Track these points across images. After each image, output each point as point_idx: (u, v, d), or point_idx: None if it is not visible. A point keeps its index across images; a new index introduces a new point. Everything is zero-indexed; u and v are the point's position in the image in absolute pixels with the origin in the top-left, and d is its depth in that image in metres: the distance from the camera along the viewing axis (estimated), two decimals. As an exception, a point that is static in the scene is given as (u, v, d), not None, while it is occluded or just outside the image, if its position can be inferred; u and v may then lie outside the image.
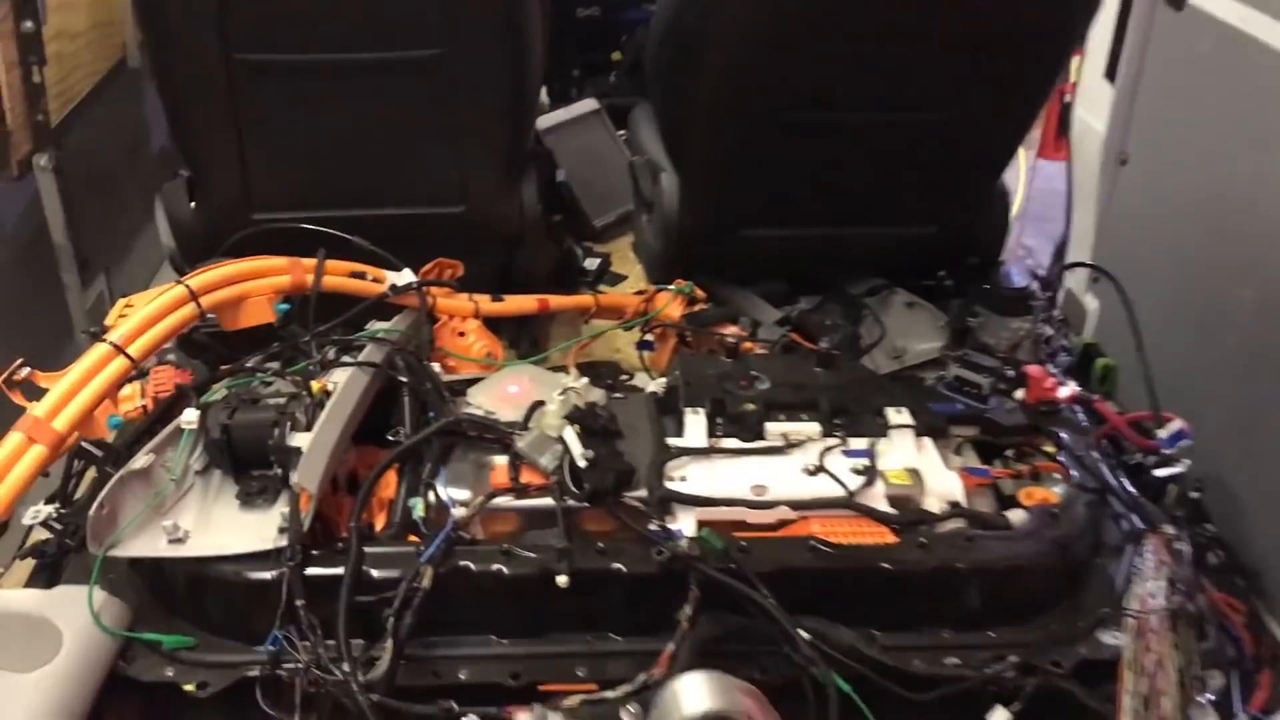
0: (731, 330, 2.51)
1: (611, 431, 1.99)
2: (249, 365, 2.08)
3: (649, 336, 2.58)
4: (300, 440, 1.84)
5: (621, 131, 3.63)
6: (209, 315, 2.08)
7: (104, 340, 1.87)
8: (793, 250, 2.69)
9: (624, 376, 2.54)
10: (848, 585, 1.84)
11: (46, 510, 1.92)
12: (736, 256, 2.71)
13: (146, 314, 1.91)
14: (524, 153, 2.70)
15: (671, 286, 2.55)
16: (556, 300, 2.57)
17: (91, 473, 1.99)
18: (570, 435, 1.93)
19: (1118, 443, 2.28)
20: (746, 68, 2.34)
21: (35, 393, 1.81)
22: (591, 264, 3.32)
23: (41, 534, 1.88)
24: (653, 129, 2.84)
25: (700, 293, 2.54)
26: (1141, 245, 2.70)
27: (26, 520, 1.87)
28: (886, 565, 1.84)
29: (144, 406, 2.12)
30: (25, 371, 1.79)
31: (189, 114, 2.46)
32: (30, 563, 1.91)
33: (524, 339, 2.78)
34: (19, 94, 2.49)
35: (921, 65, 2.33)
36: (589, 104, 3.64)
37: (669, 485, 1.97)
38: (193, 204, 2.57)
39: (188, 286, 1.98)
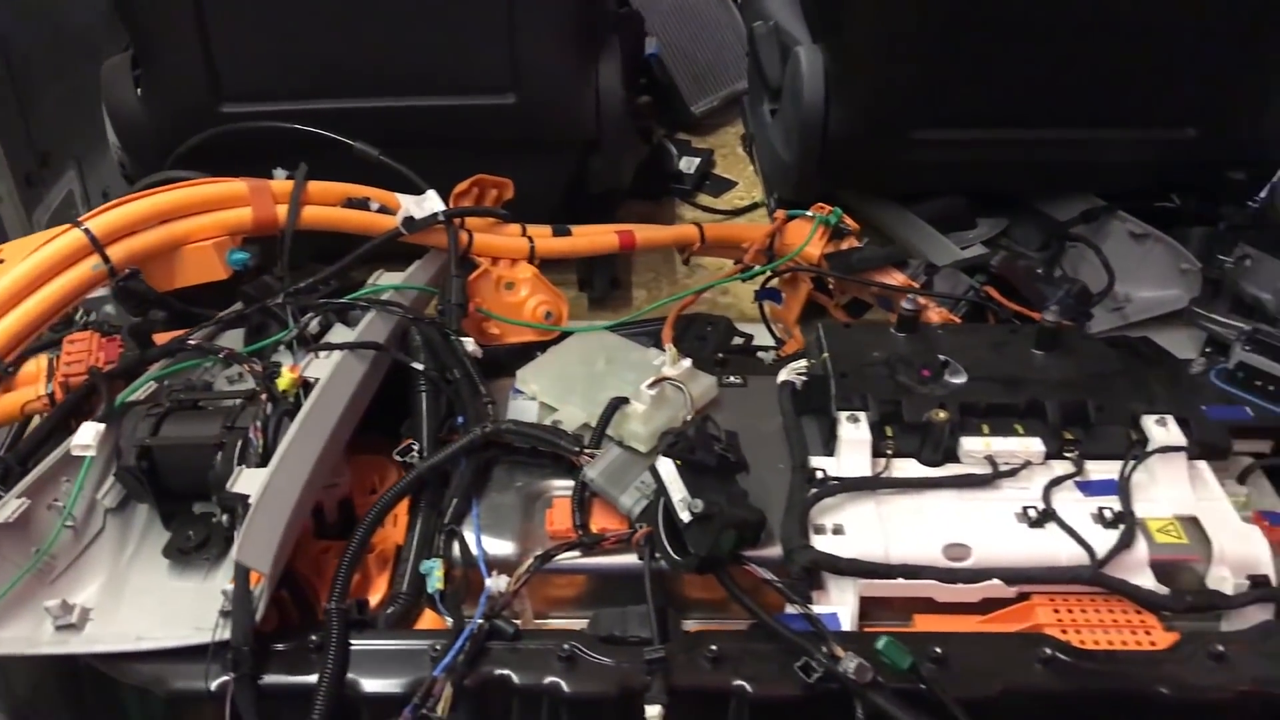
0: (898, 279, 1.83)
1: (731, 463, 1.35)
2: (191, 342, 1.47)
3: (774, 282, 1.91)
4: (249, 482, 1.23)
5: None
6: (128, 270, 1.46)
7: (-59, 323, 1.27)
8: (980, 160, 2.02)
9: (739, 338, 1.89)
10: (1100, 718, 1.34)
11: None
12: (899, 167, 2.05)
13: (17, 277, 1.30)
14: (602, 14, 2.00)
15: (809, 212, 1.87)
16: (646, 233, 1.93)
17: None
18: (669, 472, 1.35)
19: None
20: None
21: None
22: (688, 164, 2.66)
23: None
24: (783, -19, 2.17)
25: (851, 222, 1.87)
26: None
27: None
28: (1164, 690, 1.29)
29: (50, 396, 1.53)
30: None
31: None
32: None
33: (599, 278, 2.13)
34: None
35: None
36: (685, -56, 2.97)
37: (817, 540, 1.41)
38: (139, 90, 2.06)
39: (87, 230, 1.36)
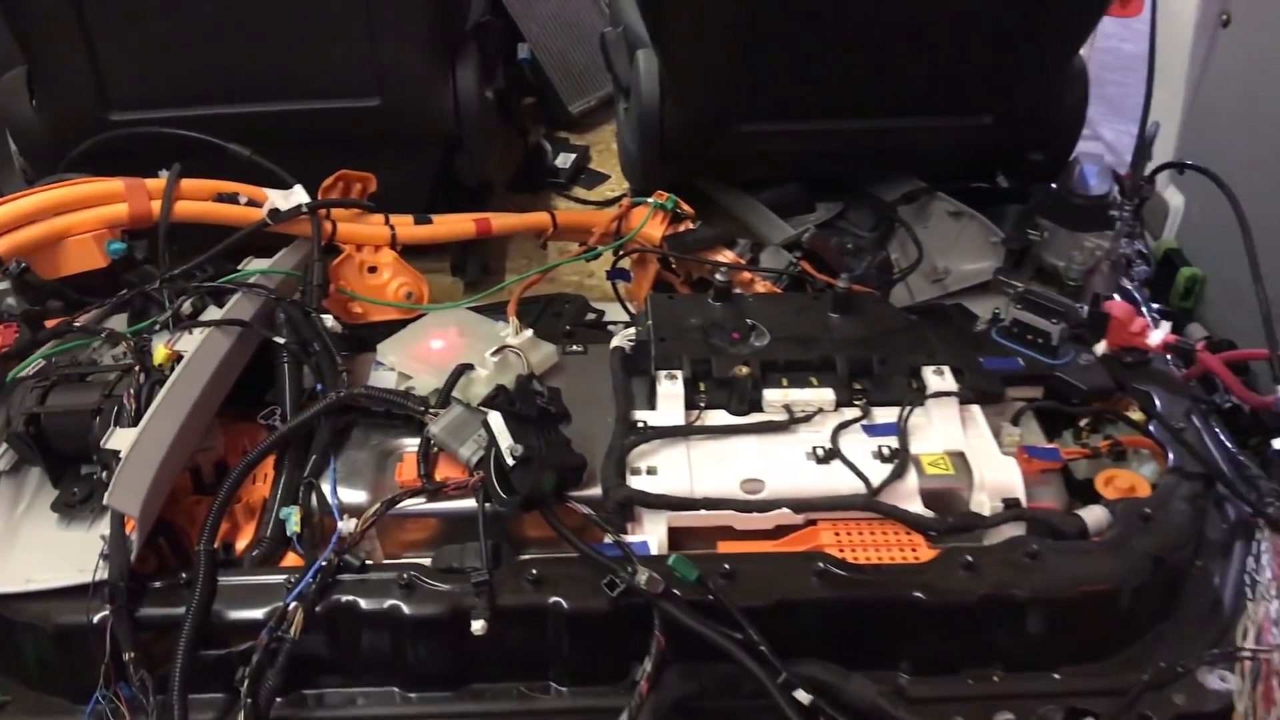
0: (727, 256, 2.03)
1: (552, 414, 1.55)
2: (78, 324, 1.64)
3: (625, 263, 2.10)
4: (121, 439, 1.41)
5: (608, -10, 3.17)
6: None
7: None
8: (805, 150, 2.23)
9: (592, 314, 2.08)
10: (868, 621, 1.51)
11: None
12: (733, 158, 2.24)
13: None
14: (458, 21, 2.19)
15: (650, 199, 2.06)
16: (501, 220, 2.10)
17: None
18: (496, 423, 1.52)
19: (1209, 382, 1.95)
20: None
21: None
22: (564, 160, 2.84)
23: None
24: (634, -12, 2.34)
25: (686, 207, 2.06)
26: (1243, 129, 2.36)
27: None
28: (920, 595, 1.49)
29: (-48, 377, 1.70)
30: None
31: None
32: None
33: (471, 264, 2.31)
34: None
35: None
36: (562, -44, 3.12)
37: (632, 480, 1.60)
38: (34, 101, 2.18)
39: (-26, 225, 1.53)
